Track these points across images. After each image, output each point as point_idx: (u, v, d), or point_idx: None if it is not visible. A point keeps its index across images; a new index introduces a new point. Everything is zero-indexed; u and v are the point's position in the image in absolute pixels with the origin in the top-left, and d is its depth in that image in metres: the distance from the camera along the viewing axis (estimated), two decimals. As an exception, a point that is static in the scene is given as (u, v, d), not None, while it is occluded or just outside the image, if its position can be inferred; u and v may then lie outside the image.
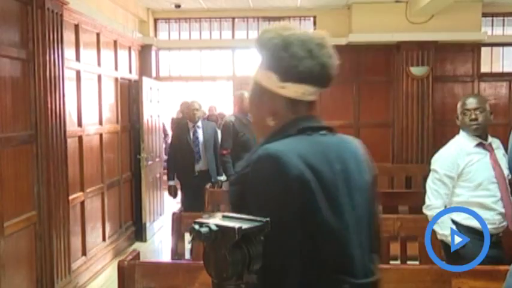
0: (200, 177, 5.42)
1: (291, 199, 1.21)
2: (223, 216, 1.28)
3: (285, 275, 1.21)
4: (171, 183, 5.65)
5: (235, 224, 1.20)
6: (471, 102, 2.93)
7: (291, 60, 1.33)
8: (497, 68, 7.23)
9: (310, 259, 1.23)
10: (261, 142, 1.33)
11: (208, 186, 4.73)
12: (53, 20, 4.02)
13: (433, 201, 3.06)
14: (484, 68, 7.14)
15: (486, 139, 2.97)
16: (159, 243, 6.49)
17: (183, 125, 5.71)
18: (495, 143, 3.02)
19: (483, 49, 7.10)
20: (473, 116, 2.90)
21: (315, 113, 1.43)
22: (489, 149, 2.93)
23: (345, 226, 1.30)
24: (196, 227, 1.22)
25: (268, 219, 1.16)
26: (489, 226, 2.89)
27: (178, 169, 5.63)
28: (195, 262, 3.04)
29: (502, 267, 2.42)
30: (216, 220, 1.25)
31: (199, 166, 5.50)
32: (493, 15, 7.06)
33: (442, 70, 7.05)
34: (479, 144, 2.95)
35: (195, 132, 5.55)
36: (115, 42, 5.84)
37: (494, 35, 7.06)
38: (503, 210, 2.90)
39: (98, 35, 5.31)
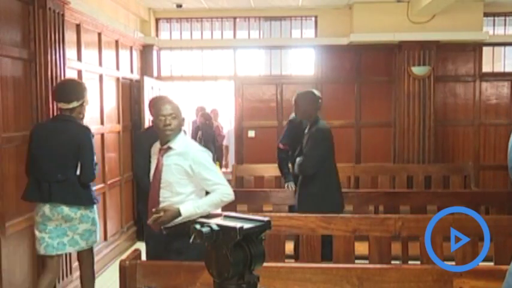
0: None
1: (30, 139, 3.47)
2: (225, 216, 1.29)
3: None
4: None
5: (237, 224, 1.21)
6: (166, 109, 3.01)
7: None
8: (498, 68, 7.22)
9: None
10: None
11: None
12: (54, 20, 4.02)
13: None
14: (486, 68, 7.13)
15: (166, 143, 3.04)
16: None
17: (152, 131, 3.49)
18: (181, 149, 3.02)
19: (485, 49, 7.10)
20: (167, 122, 2.98)
21: (63, 112, 3.53)
22: (162, 153, 3.05)
23: (43, 156, 3.41)
24: (198, 226, 1.23)
25: (268, 219, 1.27)
26: None
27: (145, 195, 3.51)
28: (196, 262, 3.05)
29: (504, 267, 2.42)
30: (217, 220, 1.25)
31: None
32: (494, 15, 7.05)
33: (443, 70, 7.04)
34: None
35: None
36: (116, 42, 5.84)
37: (496, 35, 7.05)
38: None
39: (99, 34, 5.32)
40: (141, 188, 3.78)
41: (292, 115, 5.10)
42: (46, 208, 3.40)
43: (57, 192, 3.38)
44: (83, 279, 3.73)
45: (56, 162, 3.41)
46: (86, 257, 3.66)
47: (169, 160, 3.02)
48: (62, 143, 3.42)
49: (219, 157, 8.44)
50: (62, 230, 3.44)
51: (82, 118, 3.62)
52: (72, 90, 3.54)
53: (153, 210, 2.94)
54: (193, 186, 3.02)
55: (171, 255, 3.02)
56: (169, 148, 3.03)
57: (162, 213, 2.89)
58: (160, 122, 3.00)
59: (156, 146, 3.15)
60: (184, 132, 4.41)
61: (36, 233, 3.46)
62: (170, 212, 2.90)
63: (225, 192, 3.01)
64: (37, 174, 3.43)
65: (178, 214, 2.91)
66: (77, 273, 4.47)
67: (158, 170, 3.04)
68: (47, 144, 3.42)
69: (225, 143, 9.66)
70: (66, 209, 3.41)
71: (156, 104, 3.30)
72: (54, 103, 4.03)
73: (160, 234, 3.06)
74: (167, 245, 3.05)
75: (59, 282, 4.06)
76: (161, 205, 2.99)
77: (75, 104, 3.50)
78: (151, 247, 3.32)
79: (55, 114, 4.02)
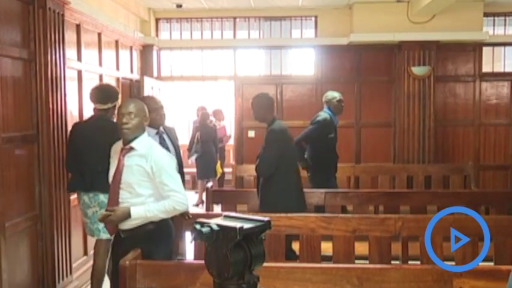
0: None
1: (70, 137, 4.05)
2: (225, 216, 1.29)
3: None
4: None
5: (237, 224, 1.21)
6: (127, 107, 2.95)
7: None
8: (498, 68, 7.22)
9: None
10: None
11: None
12: (54, 20, 4.02)
13: None
14: (486, 68, 7.14)
15: (128, 143, 2.97)
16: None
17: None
18: (143, 150, 2.97)
19: (485, 49, 7.10)
20: (124, 120, 2.91)
21: (99, 112, 4.01)
22: (123, 153, 2.97)
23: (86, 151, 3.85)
24: (198, 226, 1.23)
25: (268, 219, 1.27)
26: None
27: None
28: (196, 262, 3.05)
29: (504, 267, 2.42)
30: (217, 220, 1.25)
31: None
32: (494, 15, 7.06)
33: (443, 70, 7.04)
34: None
35: (162, 141, 3.87)
36: (116, 42, 5.84)
37: (496, 35, 7.05)
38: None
39: (99, 34, 5.32)
40: None
41: (325, 115, 5.07)
42: (86, 197, 3.88)
43: (98, 182, 3.72)
44: (94, 268, 3.93)
45: (97, 155, 3.69)
46: (104, 246, 3.89)
47: (131, 161, 2.94)
48: (101, 138, 3.73)
49: (221, 158, 8.44)
50: (98, 216, 3.77)
51: (114, 117, 3.98)
52: (108, 93, 4.05)
53: (105, 209, 2.93)
54: (153, 188, 2.95)
55: None
56: (131, 148, 2.96)
57: (112, 212, 2.87)
58: (118, 119, 2.96)
59: (117, 145, 3.08)
60: (170, 129, 4.31)
61: (83, 218, 4.00)
62: (120, 212, 2.87)
63: (180, 200, 2.93)
64: (81, 167, 3.87)
65: (128, 215, 2.87)
66: (77, 273, 4.48)
67: (119, 170, 2.96)
68: (89, 140, 3.84)
69: (232, 143, 9.67)
70: (101, 196, 3.79)
71: (121, 103, 3.25)
72: (56, 104, 4.06)
73: (121, 240, 2.99)
74: (127, 248, 2.92)
75: (58, 282, 4.06)
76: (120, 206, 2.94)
77: (109, 105, 3.96)
78: (113, 253, 3.16)
79: (57, 114, 4.05)
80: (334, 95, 5.24)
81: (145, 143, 3.00)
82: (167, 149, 3.81)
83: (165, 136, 3.93)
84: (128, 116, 2.91)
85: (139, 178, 2.92)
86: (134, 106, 2.97)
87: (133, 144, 2.95)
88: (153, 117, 3.70)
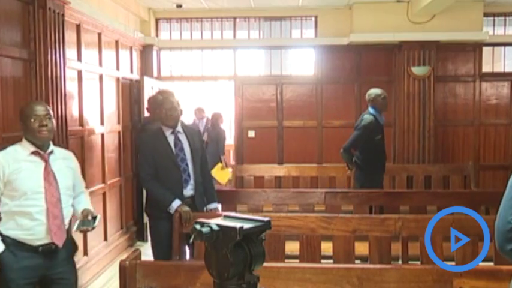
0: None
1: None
2: (225, 216, 1.29)
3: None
4: (176, 205, 3.67)
5: (237, 224, 1.21)
6: (40, 109, 2.84)
7: None
8: (498, 68, 7.22)
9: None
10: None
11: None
12: (54, 20, 4.02)
13: None
14: (486, 68, 7.13)
15: (47, 148, 2.87)
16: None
17: (155, 132, 3.88)
18: (60, 153, 2.99)
19: (485, 49, 7.10)
20: (44, 122, 2.80)
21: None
22: (45, 158, 2.84)
23: None
24: (198, 226, 1.23)
25: (269, 219, 1.28)
26: (33, 237, 2.77)
27: (152, 199, 3.86)
28: (196, 262, 3.05)
29: (504, 267, 2.42)
30: (217, 220, 1.25)
31: (187, 191, 3.79)
32: (494, 15, 7.06)
33: (443, 70, 7.04)
34: (34, 152, 2.83)
35: (177, 141, 3.79)
36: (116, 42, 5.84)
37: (496, 35, 7.05)
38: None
39: (99, 34, 5.31)
40: (148, 190, 3.90)
41: (369, 118, 5.05)
42: None
43: None
44: None
45: None
46: None
47: (58, 165, 2.88)
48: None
49: (225, 158, 8.47)
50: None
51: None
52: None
53: (89, 217, 2.84)
54: None
55: (62, 265, 2.90)
56: (51, 153, 2.89)
57: (95, 222, 2.86)
58: (34, 122, 2.79)
59: (19, 152, 2.83)
60: (192, 131, 4.29)
61: None
62: (91, 215, 2.91)
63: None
64: None
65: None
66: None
67: (52, 176, 2.83)
68: None
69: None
70: None
71: (28, 105, 2.96)
72: (56, 104, 4.07)
73: (52, 251, 2.83)
74: (58, 255, 2.87)
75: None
76: (65, 212, 2.85)
77: None
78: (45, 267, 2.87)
79: (57, 114, 4.06)
80: (377, 92, 5.18)
81: (55, 147, 3.00)
82: (180, 149, 3.77)
83: (181, 136, 3.81)
84: (45, 118, 2.83)
85: (73, 179, 3.01)
86: (47, 108, 2.91)
87: (52, 148, 2.92)
88: (162, 115, 3.74)
